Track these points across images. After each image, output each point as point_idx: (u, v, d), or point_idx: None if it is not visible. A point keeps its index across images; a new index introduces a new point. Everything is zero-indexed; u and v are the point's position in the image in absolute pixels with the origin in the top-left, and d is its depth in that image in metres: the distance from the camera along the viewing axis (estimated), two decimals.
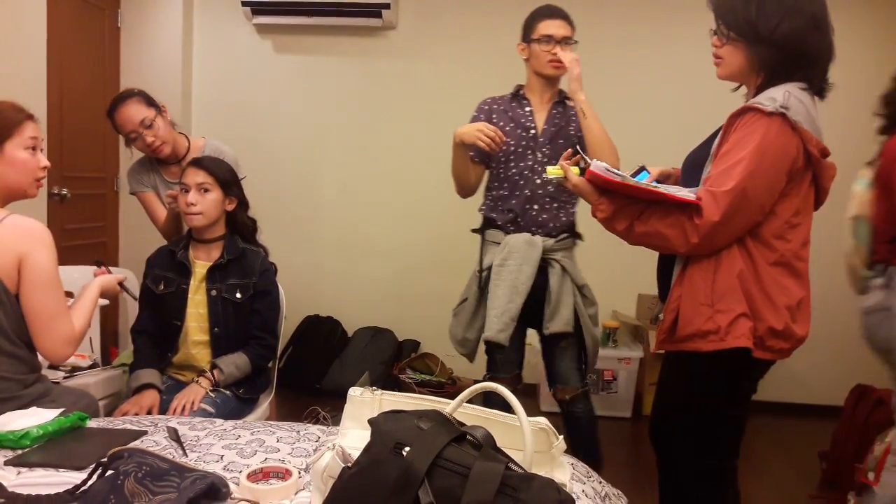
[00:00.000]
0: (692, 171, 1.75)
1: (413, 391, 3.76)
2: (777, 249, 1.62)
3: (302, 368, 4.01)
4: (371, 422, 1.03)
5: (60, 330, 1.73)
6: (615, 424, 3.73)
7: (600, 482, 1.54)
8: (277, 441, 1.59)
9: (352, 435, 1.26)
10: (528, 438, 1.06)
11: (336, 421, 3.39)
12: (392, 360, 4.08)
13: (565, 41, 2.37)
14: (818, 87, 1.65)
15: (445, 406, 1.14)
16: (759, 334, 1.61)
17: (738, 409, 1.75)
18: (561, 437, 1.17)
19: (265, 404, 2.46)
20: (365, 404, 1.28)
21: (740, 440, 1.80)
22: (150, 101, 2.59)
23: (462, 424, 1.06)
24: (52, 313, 1.72)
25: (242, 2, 3.97)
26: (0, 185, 1.73)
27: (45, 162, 1.81)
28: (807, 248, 1.68)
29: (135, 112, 2.54)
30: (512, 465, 0.98)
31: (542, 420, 1.15)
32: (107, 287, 2.01)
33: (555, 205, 2.43)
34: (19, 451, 1.46)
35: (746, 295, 1.60)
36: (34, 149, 1.78)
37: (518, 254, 2.36)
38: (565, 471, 1.18)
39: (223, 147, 2.73)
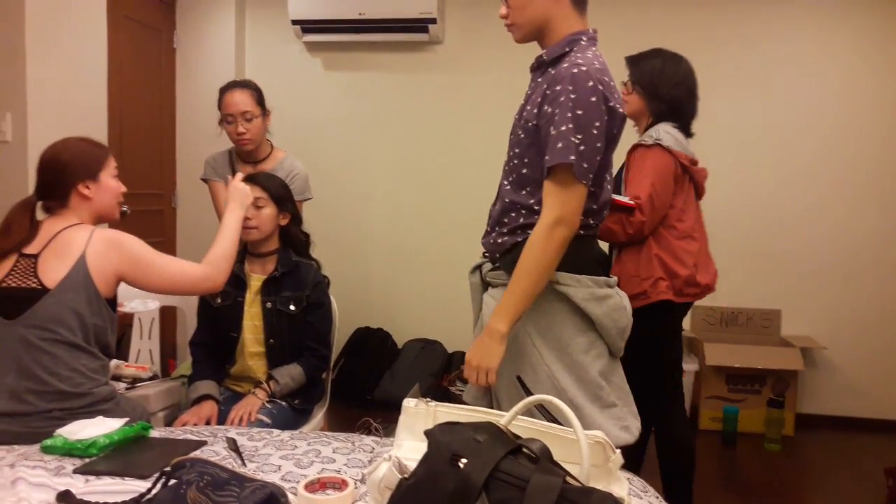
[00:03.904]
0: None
1: (463, 403, 3.76)
2: (678, 228, 2.35)
3: (354, 380, 4.05)
4: (427, 433, 1.04)
5: (189, 280, 1.96)
6: None
7: (657, 497, 1.51)
8: (333, 452, 1.60)
9: (407, 446, 1.27)
10: (584, 452, 1.05)
11: (388, 432, 3.41)
12: (441, 372, 4.08)
13: None
14: (686, 128, 2.43)
15: (500, 418, 1.14)
16: (677, 287, 2.31)
17: (669, 342, 2.45)
18: (618, 450, 1.15)
19: (319, 415, 2.49)
20: (419, 416, 1.28)
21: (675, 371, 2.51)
22: (260, 100, 2.72)
23: (517, 437, 1.06)
24: (171, 278, 1.93)
25: (293, 20, 4.06)
26: (94, 208, 1.94)
27: (123, 188, 2.03)
28: (699, 223, 2.46)
29: (242, 101, 2.66)
30: (569, 479, 0.98)
31: (599, 433, 1.14)
32: (240, 200, 2.20)
33: (493, 221, 1.86)
34: (87, 460, 1.51)
35: (660, 264, 2.30)
36: (116, 177, 2.01)
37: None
38: (623, 485, 1.16)
39: (298, 165, 2.81)
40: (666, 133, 2.35)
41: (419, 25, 3.98)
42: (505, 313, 1.64)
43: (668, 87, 2.36)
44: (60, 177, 1.89)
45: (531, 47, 1.80)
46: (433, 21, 3.95)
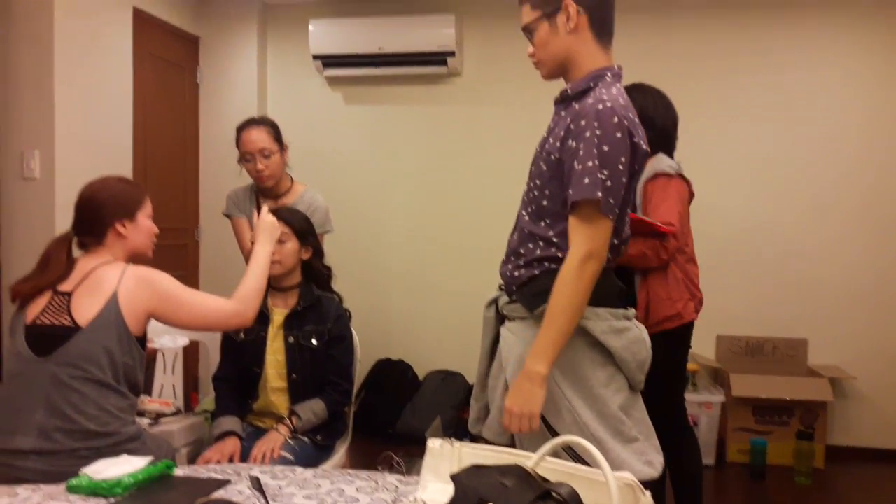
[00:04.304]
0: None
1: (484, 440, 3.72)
2: (686, 252, 2.49)
3: (375, 412, 4.03)
4: (454, 477, 1.02)
5: (219, 316, 1.98)
6: None
7: None
8: (357, 491, 1.59)
9: (432, 488, 1.26)
10: (614, 495, 1.03)
11: (410, 467, 3.38)
12: (463, 405, 4.05)
13: (526, 31, 1.79)
14: (671, 156, 2.51)
15: (527, 460, 1.12)
16: (696, 307, 2.46)
17: (684, 364, 2.59)
18: (647, 492, 1.13)
19: (341, 451, 2.47)
20: (444, 457, 1.27)
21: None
22: (277, 136, 2.75)
23: (545, 480, 1.04)
24: (201, 314, 1.95)
25: (314, 55, 4.13)
26: (130, 247, 1.97)
27: (156, 229, 2.06)
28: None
29: (259, 139, 2.69)
30: None
31: (628, 475, 1.12)
32: (269, 233, 2.23)
33: (510, 250, 1.84)
34: (112, 500, 1.51)
35: (686, 286, 2.42)
36: (151, 217, 2.04)
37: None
38: None
39: (318, 198, 2.83)
40: (676, 163, 2.49)
41: (438, 58, 4.03)
42: (542, 354, 1.61)
43: (661, 119, 2.46)
44: (98, 214, 1.92)
45: (546, 82, 1.84)
46: (452, 54, 3.99)
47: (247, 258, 2.76)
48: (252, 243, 2.23)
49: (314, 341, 2.35)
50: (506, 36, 4.12)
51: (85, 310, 1.81)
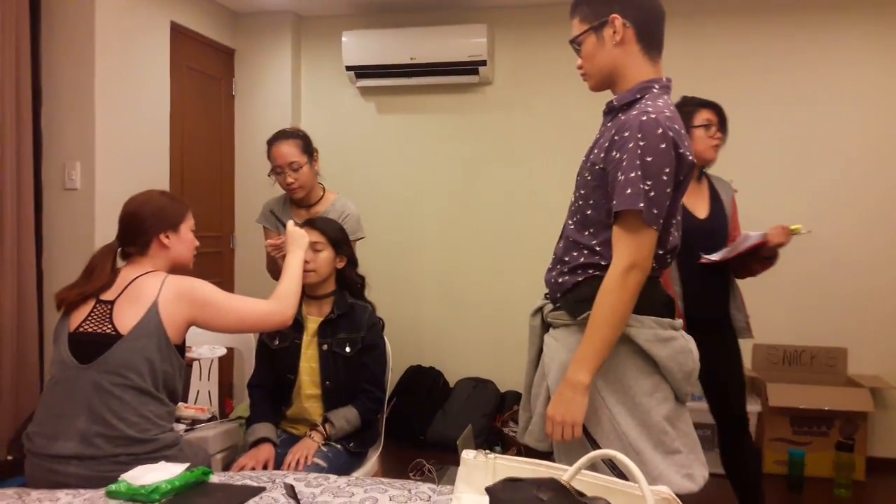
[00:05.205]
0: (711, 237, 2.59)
1: (517, 445, 3.71)
2: None
3: (406, 419, 4.04)
4: (489, 490, 1.02)
5: (258, 315, 2.03)
6: None
7: None
8: (390, 500, 1.59)
9: (466, 499, 1.25)
10: None
11: (441, 474, 3.38)
12: (494, 412, 4.03)
13: (574, 44, 1.79)
14: None
15: (563, 473, 1.11)
16: None
17: None
18: None
19: (374, 458, 2.48)
20: (478, 468, 1.27)
21: None
22: (306, 148, 2.79)
23: (581, 494, 1.04)
24: (240, 315, 2.00)
25: (347, 66, 4.17)
26: (172, 257, 2.02)
27: (197, 242, 2.12)
28: None
29: (288, 153, 2.73)
30: None
31: (665, 489, 1.11)
32: (298, 242, 2.29)
33: (556, 259, 1.84)
34: None
35: None
36: (193, 231, 2.09)
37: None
38: None
39: (350, 206, 2.87)
40: None
41: (469, 68, 4.04)
42: (585, 362, 1.61)
43: None
44: (142, 227, 1.97)
45: (581, 87, 1.84)
46: (483, 63, 4.00)
47: (269, 264, 2.81)
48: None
49: (347, 349, 2.37)
50: (537, 44, 4.12)
51: (126, 318, 1.85)
